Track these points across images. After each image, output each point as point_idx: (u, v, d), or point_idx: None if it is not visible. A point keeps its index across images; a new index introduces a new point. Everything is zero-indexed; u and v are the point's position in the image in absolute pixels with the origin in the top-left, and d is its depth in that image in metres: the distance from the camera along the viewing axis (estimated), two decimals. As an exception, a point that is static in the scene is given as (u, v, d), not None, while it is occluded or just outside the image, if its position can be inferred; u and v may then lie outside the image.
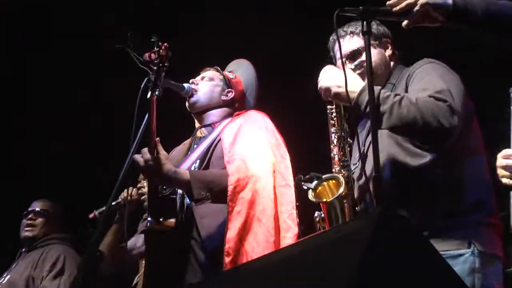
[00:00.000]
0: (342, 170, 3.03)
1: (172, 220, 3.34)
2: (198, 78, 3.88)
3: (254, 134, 3.60)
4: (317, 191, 3.01)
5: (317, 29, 3.40)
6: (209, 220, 3.35)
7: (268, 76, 4.13)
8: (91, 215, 4.48)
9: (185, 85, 3.76)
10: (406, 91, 2.98)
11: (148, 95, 3.28)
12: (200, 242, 3.32)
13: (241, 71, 4.00)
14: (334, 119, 3.11)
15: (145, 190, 4.19)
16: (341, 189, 2.94)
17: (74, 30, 5.42)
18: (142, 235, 3.66)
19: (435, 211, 2.82)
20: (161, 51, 3.33)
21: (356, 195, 3.04)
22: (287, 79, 5.20)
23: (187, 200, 3.44)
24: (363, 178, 3.00)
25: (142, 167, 3.23)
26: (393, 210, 2.12)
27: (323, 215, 3.03)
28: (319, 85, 2.95)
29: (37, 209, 5.15)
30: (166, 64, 3.35)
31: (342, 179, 2.97)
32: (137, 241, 4.24)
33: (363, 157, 3.03)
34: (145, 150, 3.23)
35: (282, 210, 3.41)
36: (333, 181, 3.02)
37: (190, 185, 3.28)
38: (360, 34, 3.10)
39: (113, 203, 4.29)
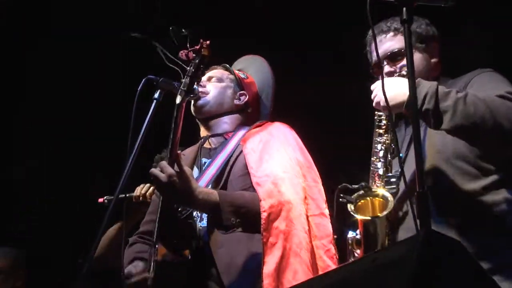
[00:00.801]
0: (386, 186, 2.73)
1: (187, 250, 2.91)
2: (204, 78, 3.37)
3: (283, 151, 3.11)
4: (357, 205, 2.70)
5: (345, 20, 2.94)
6: (228, 250, 2.88)
7: (285, 76, 3.61)
8: (100, 199, 3.87)
9: None
10: None
11: (178, 100, 2.82)
12: (216, 276, 2.87)
13: (254, 69, 3.51)
14: (383, 127, 2.80)
15: None
16: (388, 209, 2.61)
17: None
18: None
19: (498, 243, 2.51)
20: (202, 49, 2.86)
21: (395, 216, 2.72)
22: (307, 81, 4.66)
23: (201, 225, 3.00)
24: (404, 195, 2.69)
25: (164, 183, 2.73)
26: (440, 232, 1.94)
27: (358, 236, 2.74)
28: (374, 101, 2.68)
29: None
30: (204, 67, 2.91)
31: (391, 199, 2.64)
32: (136, 266, 3.65)
33: (403, 171, 2.63)
34: (165, 163, 2.77)
35: (318, 245, 2.95)
36: (380, 199, 2.70)
37: (218, 208, 2.80)
38: (403, 33, 2.73)
39: (124, 196, 3.77)
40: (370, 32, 2.93)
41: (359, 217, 2.65)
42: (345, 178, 2.90)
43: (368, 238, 2.65)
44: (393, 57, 2.89)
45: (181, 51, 2.88)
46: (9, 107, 5.35)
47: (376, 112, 2.80)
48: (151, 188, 3.76)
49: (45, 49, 5.08)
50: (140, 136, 2.73)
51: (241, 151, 3.09)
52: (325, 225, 2.97)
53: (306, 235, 2.89)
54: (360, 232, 2.69)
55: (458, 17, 3.26)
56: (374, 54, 2.85)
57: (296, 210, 2.89)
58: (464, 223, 2.59)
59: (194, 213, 3.01)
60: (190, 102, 3.27)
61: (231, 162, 3.10)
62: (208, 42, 2.86)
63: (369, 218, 2.65)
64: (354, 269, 2.06)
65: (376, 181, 2.72)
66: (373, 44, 2.84)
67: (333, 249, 2.95)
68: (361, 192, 2.67)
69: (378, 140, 2.79)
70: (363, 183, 2.69)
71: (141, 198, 3.76)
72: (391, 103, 2.50)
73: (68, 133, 5.36)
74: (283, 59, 4.05)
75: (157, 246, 2.86)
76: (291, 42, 4.73)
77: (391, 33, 2.91)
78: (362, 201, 2.68)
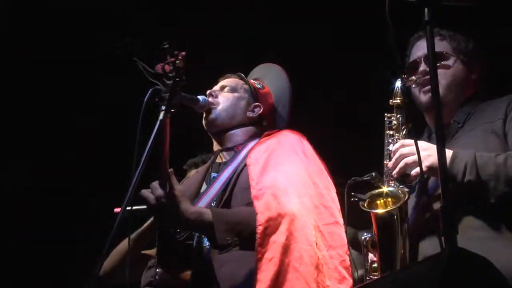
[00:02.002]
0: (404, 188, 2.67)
1: (188, 273, 2.79)
2: (217, 87, 3.23)
3: (289, 160, 2.92)
4: (372, 203, 2.64)
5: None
6: (230, 268, 2.72)
7: (303, 86, 3.42)
8: (117, 209, 3.48)
9: (200, 97, 3.12)
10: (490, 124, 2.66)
11: (161, 117, 2.64)
12: None
13: (270, 79, 3.32)
14: (394, 127, 2.77)
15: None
16: (400, 202, 2.54)
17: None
18: None
19: None
20: (177, 61, 2.68)
21: (413, 228, 2.62)
22: (327, 90, 4.48)
23: (205, 245, 2.85)
24: (424, 208, 2.61)
25: (153, 205, 2.59)
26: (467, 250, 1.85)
27: (374, 238, 2.65)
28: (399, 164, 2.60)
29: None
30: (183, 78, 2.70)
31: (403, 195, 2.58)
32: None
33: (424, 181, 2.64)
34: (155, 184, 2.62)
35: (333, 255, 2.76)
36: (392, 199, 2.64)
37: (212, 228, 2.66)
38: (448, 38, 2.85)
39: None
40: (415, 35, 2.95)
41: (372, 211, 2.59)
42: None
43: (383, 237, 2.58)
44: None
45: (158, 65, 2.71)
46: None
47: (386, 114, 2.74)
48: None
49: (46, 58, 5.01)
50: (148, 147, 2.57)
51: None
52: (340, 234, 2.80)
53: (310, 248, 2.68)
54: (374, 232, 2.60)
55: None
56: (413, 55, 2.88)
57: (299, 222, 2.69)
58: (489, 237, 2.47)
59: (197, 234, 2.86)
60: (202, 114, 3.14)
61: (236, 175, 2.94)
62: (183, 53, 2.69)
63: (382, 211, 2.58)
64: None
65: (390, 184, 2.65)
66: (416, 44, 2.85)
67: (348, 260, 2.76)
68: (375, 191, 2.60)
69: (390, 141, 2.70)
70: (373, 173, 2.61)
71: None
72: (425, 164, 2.46)
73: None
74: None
75: (158, 270, 2.78)
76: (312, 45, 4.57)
77: (438, 37, 2.86)
78: (376, 201, 2.61)
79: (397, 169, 2.58)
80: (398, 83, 2.81)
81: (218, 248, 2.67)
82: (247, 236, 2.66)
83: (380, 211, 2.59)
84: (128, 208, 3.21)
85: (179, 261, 2.80)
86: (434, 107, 2.26)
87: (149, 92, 2.72)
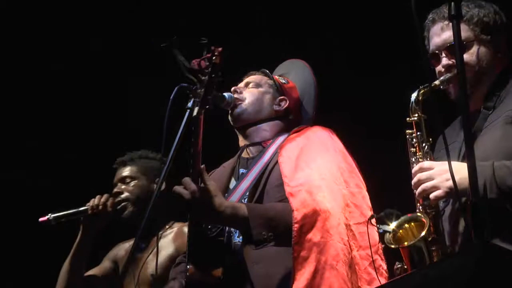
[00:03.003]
0: (427, 210, 2.49)
1: (219, 270, 2.75)
2: (242, 84, 3.22)
3: (321, 157, 2.92)
4: (397, 234, 2.49)
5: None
6: (264, 266, 2.72)
7: (327, 79, 3.39)
8: (42, 219, 3.44)
9: (226, 94, 3.11)
10: None
11: (195, 112, 2.65)
12: None
13: (295, 74, 3.30)
14: (415, 145, 2.60)
15: (124, 196, 3.63)
16: (425, 231, 2.41)
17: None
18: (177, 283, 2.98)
19: None
20: (214, 57, 2.68)
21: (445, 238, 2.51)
22: (355, 82, 4.42)
23: (236, 240, 2.84)
24: (453, 209, 2.51)
25: (187, 200, 2.59)
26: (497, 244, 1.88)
27: (405, 266, 2.48)
28: (418, 190, 2.46)
29: None
30: (219, 74, 2.70)
31: (426, 219, 2.44)
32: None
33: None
34: (188, 179, 2.63)
35: (362, 256, 2.76)
36: (415, 223, 2.50)
37: (248, 223, 2.66)
38: (468, 21, 2.57)
39: (76, 210, 3.47)
40: (429, 17, 2.69)
41: (395, 246, 2.45)
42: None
43: (414, 266, 2.43)
44: (452, 49, 2.57)
45: (194, 60, 2.71)
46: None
47: (407, 131, 2.62)
48: (106, 196, 3.54)
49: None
50: (174, 145, 2.57)
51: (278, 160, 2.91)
52: (371, 234, 2.74)
53: (344, 246, 2.69)
54: (405, 263, 2.48)
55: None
56: (432, 43, 2.66)
57: (334, 220, 2.70)
58: None
59: (230, 229, 2.85)
60: (227, 111, 3.13)
61: (267, 172, 2.92)
62: (220, 49, 2.68)
63: (406, 244, 2.45)
64: (403, 285, 2.00)
65: (418, 205, 2.51)
66: (433, 28, 2.65)
67: (379, 260, 2.74)
68: (394, 220, 2.48)
69: (413, 160, 2.58)
70: (387, 210, 2.48)
71: (100, 207, 3.47)
72: (444, 189, 2.37)
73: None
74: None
75: (188, 266, 2.76)
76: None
77: (448, 22, 2.59)
78: (402, 231, 2.48)
79: (417, 194, 2.48)
80: (413, 98, 2.61)
81: (253, 243, 2.67)
82: (282, 232, 2.66)
83: (406, 244, 2.46)
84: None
85: (210, 257, 2.77)
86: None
87: (175, 90, 2.73)
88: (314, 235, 2.65)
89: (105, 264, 3.68)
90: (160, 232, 3.54)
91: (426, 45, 2.75)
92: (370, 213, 2.83)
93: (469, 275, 1.72)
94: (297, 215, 2.65)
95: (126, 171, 3.75)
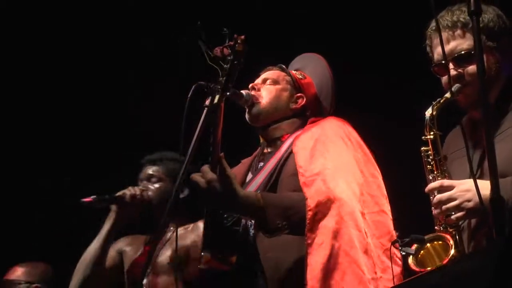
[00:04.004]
0: (449, 228, 2.46)
1: (233, 258, 2.80)
2: (259, 80, 3.20)
3: (335, 146, 2.91)
4: (419, 256, 2.44)
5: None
6: (275, 255, 2.75)
7: (346, 74, 3.38)
8: (86, 199, 3.37)
9: (244, 92, 3.10)
10: None
11: (216, 99, 2.66)
12: (263, 282, 2.75)
13: (311, 68, 3.28)
14: (431, 163, 2.55)
15: (150, 193, 3.58)
16: (452, 252, 2.38)
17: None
18: None
19: None
20: (236, 45, 2.70)
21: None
22: (374, 79, 4.38)
23: (251, 232, 2.86)
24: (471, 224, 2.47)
25: (204, 189, 2.61)
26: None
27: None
28: (440, 208, 2.42)
29: None
30: (241, 61, 2.72)
31: (450, 239, 2.42)
32: None
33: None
34: (206, 168, 2.63)
35: (376, 244, 2.75)
36: (439, 242, 2.46)
37: (263, 212, 2.64)
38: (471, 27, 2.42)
39: (117, 195, 3.45)
40: (432, 25, 2.60)
41: (419, 269, 2.40)
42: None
43: None
44: (460, 59, 2.53)
45: (216, 48, 2.73)
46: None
47: (422, 149, 2.56)
48: (136, 188, 3.54)
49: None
50: (193, 142, 2.59)
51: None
52: (385, 223, 2.78)
53: (359, 233, 2.68)
54: None
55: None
56: (437, 53, 2.58)
57: (348, 207, 2.69)
58: None
59: (246, 223, 2.87)
60: (245, 109, 3.12)
61: (282, 161, 2.93)
62: (243, 36, 2.70)
63: (431, 268, 2.39)
64: (423, 283, 1.95)
65: (438, 223, 2.48)
66: (436, 40, 2.56)
67: (393, 248, 2.68)
68: (417, 244, 2.45)
69: (430, 178, 2.53)
70: (413, 235, 2.43)
71: (138, 196, 3.48)
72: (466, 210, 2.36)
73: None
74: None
75: (203, 253, 2.78)
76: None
77: (459, 31, 2.54)
78: (423, 251, 2.45)
79: (437, 214, 2.45)
80: (427, 115, 2.54)
81: (268, 232, 2.67)
82: (296, 221, 2.66)
83: (431, 268, 2.41)
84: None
85: (225, 246, 2.80)
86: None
87: (193, 88, 2.73)
88: (328, 222, 2.65)
89: (111, 253, 3.67)
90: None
91: (429, 52, 2.68)
92: (385, 201, 2.85)
93: (491, 272, 1.69)
94: (311, 202, 2.67)
95: (154, 170, 3.74)
